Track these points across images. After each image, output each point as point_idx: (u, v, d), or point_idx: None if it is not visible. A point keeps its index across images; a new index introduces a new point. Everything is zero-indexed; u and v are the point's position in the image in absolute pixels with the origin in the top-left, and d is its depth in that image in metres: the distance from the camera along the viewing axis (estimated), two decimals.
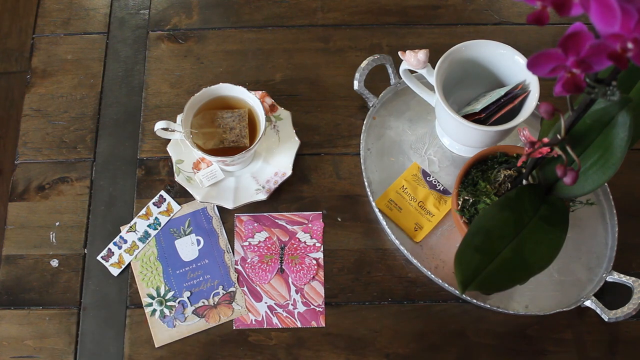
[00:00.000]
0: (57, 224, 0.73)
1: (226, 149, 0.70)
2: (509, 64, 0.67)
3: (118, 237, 0.72)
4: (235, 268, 0.70)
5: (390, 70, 0.76)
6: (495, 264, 0.52)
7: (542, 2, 0.32)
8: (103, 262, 0.71)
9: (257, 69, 0.81)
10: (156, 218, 0.72)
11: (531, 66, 0.36)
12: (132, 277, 0.70)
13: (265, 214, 0.73)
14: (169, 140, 0.74)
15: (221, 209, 0.73)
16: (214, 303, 0.69)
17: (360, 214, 0.73)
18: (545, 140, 0.49)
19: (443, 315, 0.69)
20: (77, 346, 0.67)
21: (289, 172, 0.72)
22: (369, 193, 0.72)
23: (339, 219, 0.73)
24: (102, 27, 0.84)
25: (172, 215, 0.73)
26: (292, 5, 0.85)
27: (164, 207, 0.73)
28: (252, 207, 0.73)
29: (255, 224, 0.72)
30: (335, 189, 0.74)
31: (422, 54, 0.66)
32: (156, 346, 0.67)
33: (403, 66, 0.70)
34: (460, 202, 0.64)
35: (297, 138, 0.74)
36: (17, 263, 0.71)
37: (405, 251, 0.69)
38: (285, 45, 0.83)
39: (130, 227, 0.72)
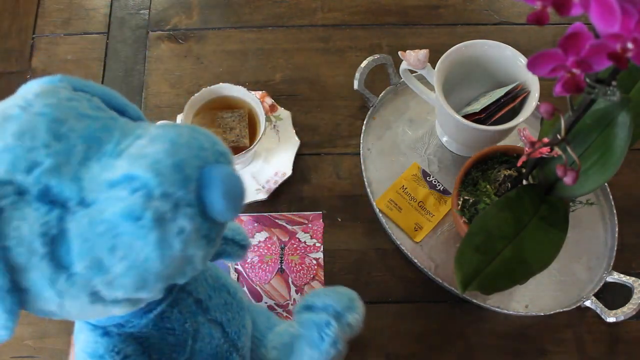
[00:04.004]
0: None
1: None
2: (509, 64, 0.67)
3: None
4: (235, 268, 0.70)
5: (390, 70, 0.76)
6: (495, 264, 0.52)
7: (542, 2, 0.32)
8: None
9: (257, 69, 0.81)
10: None
11: (531, 66, 0.35)
12: None
13: (265, 214, 0.73)
14: None
15: None
16: None
17: (360, 214, 0.73)
18: (545, 140, 0.49)
19: (443, 315, 0.68)
20: None
21: (289, 172, 0.72)
22: (369, 193, 0.72)
23: (339, 219, 0.73)
24: (102, 27, 0.84)
25: None
26: (292, 5, 0.85)
27: None
28: (252, 207, 0.73)
29: (255, 224, 0.72)
30: (335, 189, 0.74)
31: (422, 54, 0.66)
32: None
33: (403, 66, 0.70)
34: (460, 202, 0.64)
35: (297, 138, 0.74)
36: None
37: (405, 251, 0.69)
38: (285, 45, 0.83)
39: None
